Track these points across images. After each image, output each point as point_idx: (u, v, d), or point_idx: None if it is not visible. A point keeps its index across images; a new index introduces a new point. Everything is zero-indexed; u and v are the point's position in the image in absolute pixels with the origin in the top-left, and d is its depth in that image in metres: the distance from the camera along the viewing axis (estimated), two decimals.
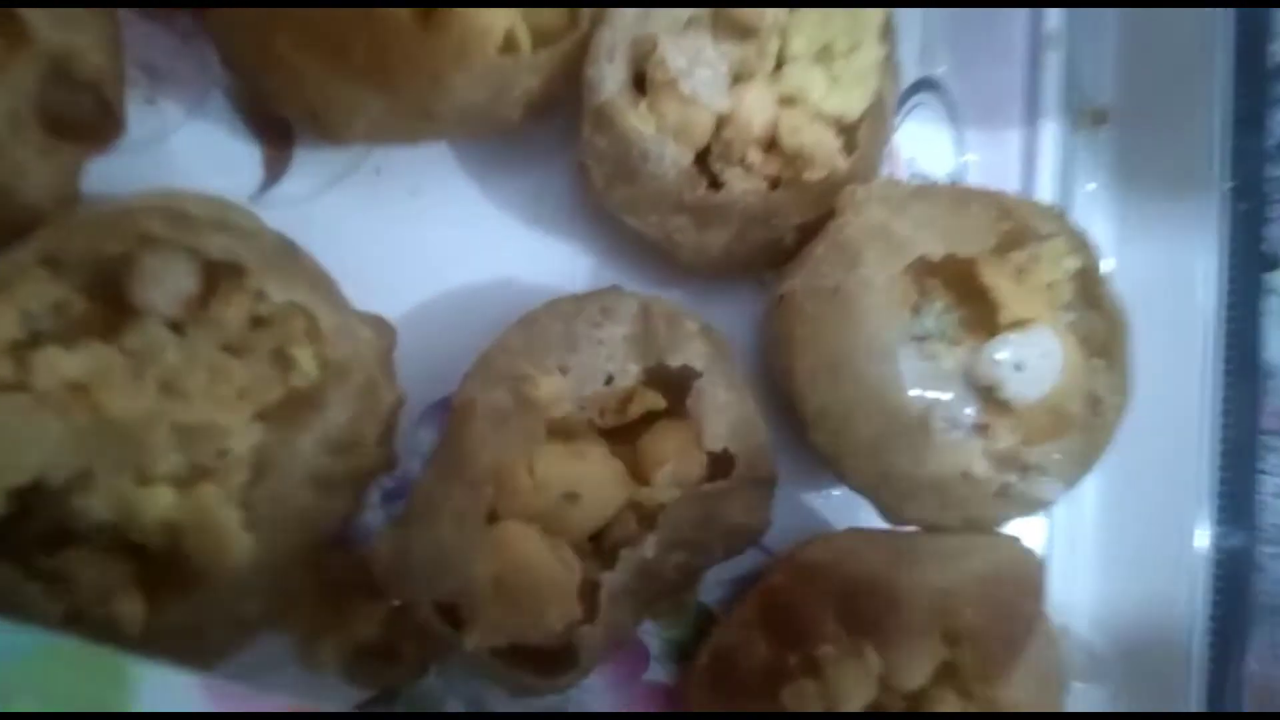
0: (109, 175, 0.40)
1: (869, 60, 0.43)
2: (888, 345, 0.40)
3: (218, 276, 0.36)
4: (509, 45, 0.40)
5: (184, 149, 0.43)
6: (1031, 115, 0.54)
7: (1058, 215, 0.43)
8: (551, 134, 0.46)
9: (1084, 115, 0.55)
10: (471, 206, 0.47)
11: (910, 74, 0.52)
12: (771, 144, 0.43)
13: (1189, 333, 0.51)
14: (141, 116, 0.43)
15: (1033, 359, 0.41)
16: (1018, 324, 0.41)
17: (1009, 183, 0.54)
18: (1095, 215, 0.55)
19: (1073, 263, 0.42)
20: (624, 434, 0.42)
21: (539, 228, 0.48)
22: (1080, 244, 0.42)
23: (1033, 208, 0.43)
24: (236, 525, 0.35)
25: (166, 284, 0.36)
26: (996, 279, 0.42)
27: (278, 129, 0.44)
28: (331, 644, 0.43)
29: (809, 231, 0.45)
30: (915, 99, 0.53)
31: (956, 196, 0.42)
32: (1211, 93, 0.51)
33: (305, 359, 0.36)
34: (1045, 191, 0.54)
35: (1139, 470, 0.49)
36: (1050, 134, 0.54)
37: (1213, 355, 0.51)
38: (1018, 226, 0.41)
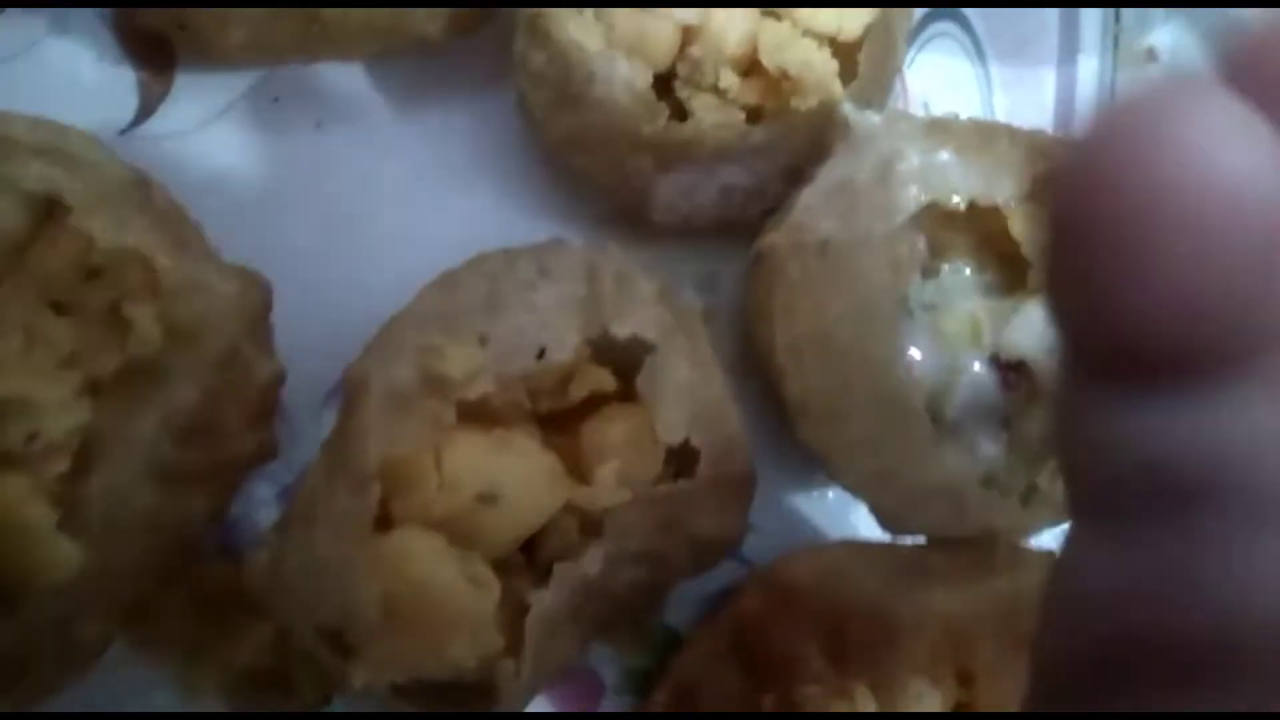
0: None
1: None
2: (888, 316, 0.32)
3: (44, 218, 0.29)
4: None
5: (41, 70, 0.36)
6: (1069, 50, 0.46)
7: None
8: (487, 53, 0.38)
9: (1130, 52, 0.47)
10: (389, 143, 0.39)
11: None
12: (751, 66, 0.35)
13: None
14: None
15: None
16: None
17: (1043, 124, 0.46)
18: None
19: None
20: (564, 422, 0.34)
21: (473, 170, 0.40)
22: None
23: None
24: (50, 527, 0.28)
25: None
26: (1028, 232, 0.34)
27: (155, 48, 0.37)
28: (212, 669, 0.36)
29: (797, 176, 0.37)
30: (933, 28, 0.44)
31: (980, 132, 0.35)
32: None
33: (145, 320, 0.29)
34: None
35: None
36: (1090, 73, 0.46)
37: None
38: (1054, 169, 0.33)
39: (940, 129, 0.34)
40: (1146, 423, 0.13)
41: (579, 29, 0.33)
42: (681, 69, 0.35)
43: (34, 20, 0.36)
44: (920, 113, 0.44)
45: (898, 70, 0.39)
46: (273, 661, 0.36)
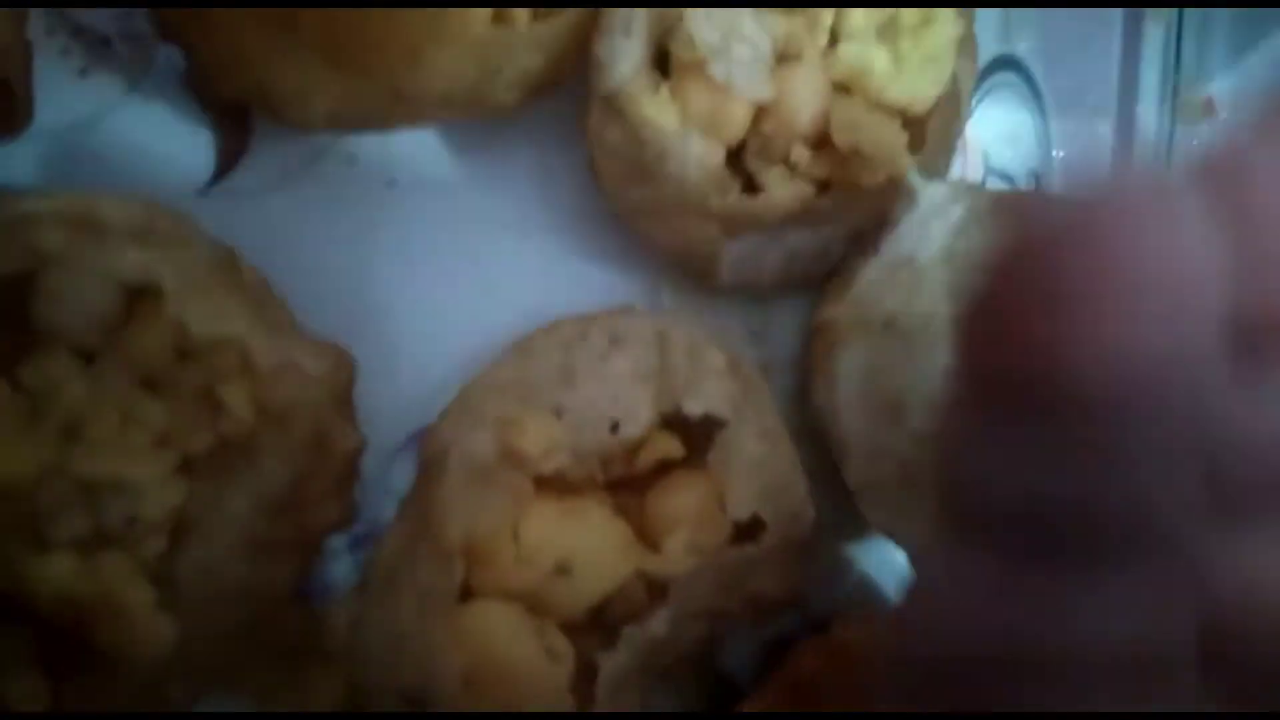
0: (30, 163, 0.34)
1: (943, 38, 0.35)
2: None
3: (137, 298, 0.30)
4: (501, 16, 0.33)
5: (122, 131, 0.36)
6: (1128, 102, 0.46)
7: None
8: (559, 114, 0.38)
9: (1189, 104, 0.47)
10: (461, 202, 0.39)
11: (988, 50, 0.44)
12: (822, 140, 0.35)
13: None
14: (71, 92, 0.36)
15: None
16: None
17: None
18: None
19: None
20: (633, 484, 0.35)
21: (544, 227, 0.40)
22: None
23: None
24: (150, 605, 0.29)
25: (75, 306, 0.29)
26: None
27: (233, 109, 0.37)
28: (287, 710, 0.37)
29: (860, 237, 0.37)
30: (994, 79, 0.45)
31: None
32: None
33: (238, 401, 0.30)
34: None
35: None
36: (1149, 125, 0.46)
37: None
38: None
39: (1005, 204, 0.35)
40: (1036, 460, 0.15)
41: (654, 107, 0.33)
42: (753, 143, 0.35)
43: (112, 82, 0.36)
44: (979, 165, 0.44)
45: (962, 131, 0.40)
46: (347, 706, 0.37)
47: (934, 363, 0.33)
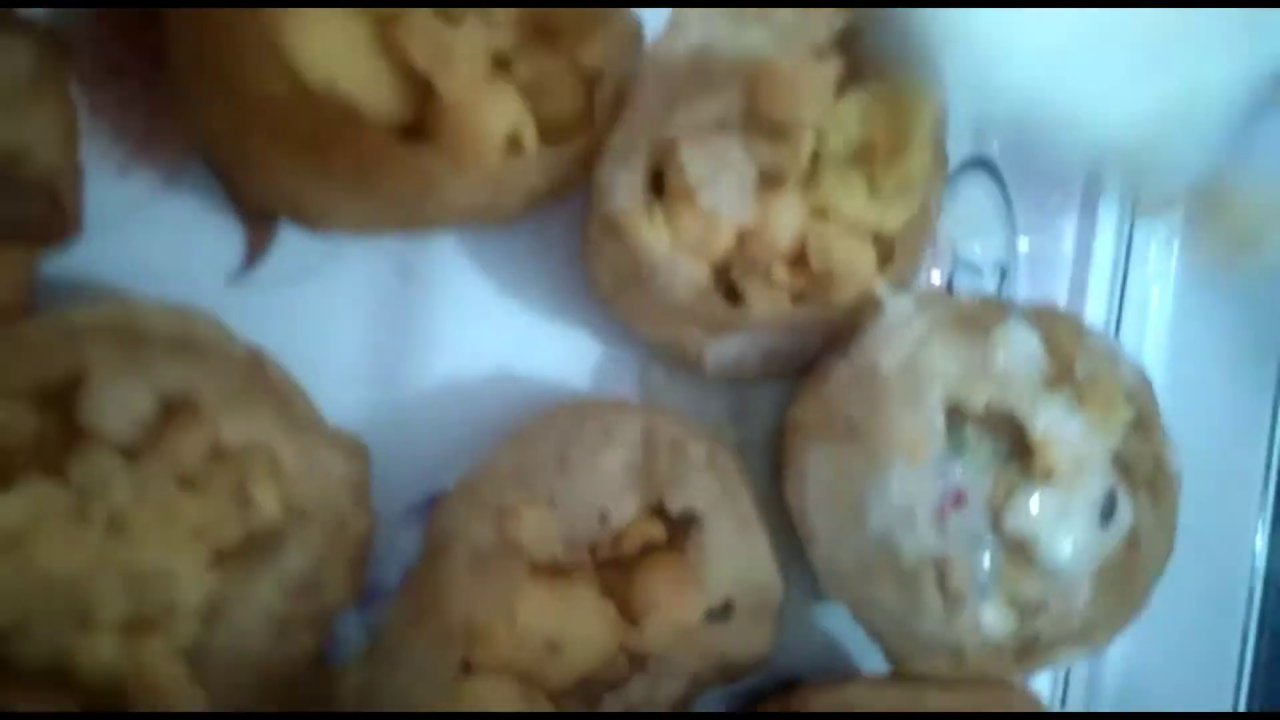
0: (73, 254, 0.37)
1: (916, 165, 0.39)
2: (910, 503, 0.36)
3: (175, 402, 0.33)
4: (512, 145, 0.36)
5: (159, 223, 0.40)
6: (1091, 198, 0.50)
7: (1111, 356, 0.38)
8: (561, 213, 0.42)
9: (1150, 199, 0.50)
10: (470, 289, 0.43)
11: (960, 150, 0.47)
12: (799, 258, 0.39)
13: (1246, 459, 0.47)
14: (112, 189, 0.39)
15: (1071, 518, 0.37)
16: (1058, 475, 0.37)
17: (1061, 271, 0.49)
18: (1151, 306, 0.50)
19: (1125, 414, 0.38)
20: (618, 562, 0.39)
21: (543, 311, 0.44)
22: (1136, 387, 0.38)
23: (1086, 344, 0.38)
24: (184, 681, 0.32)
25: (119, 411, 0.33)
26: (1036, 421, 0.38)
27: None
28: None
29: (838, 338, 0.41)
30: (964, 178, 0.48)
31: (997, 323, 0.38)
32: None
33: (267, 499, 0.33)
34: (1101, 281, 0.49)
35: (1172, 629, 0.45)
36: (1111, 217, 0.50)
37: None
38: (1065, 369, 0.37)
39: (965, 321, 0.38)
40: None
41: (648, 230, 0.37)
42: (737, 260, 0.38)
43: (150, 180, 0.39)
44: (948, 258, 0.48)
45: (931, 241, 0.43)
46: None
47: (889, 469, 0.36)
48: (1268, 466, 0.49)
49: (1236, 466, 0.49)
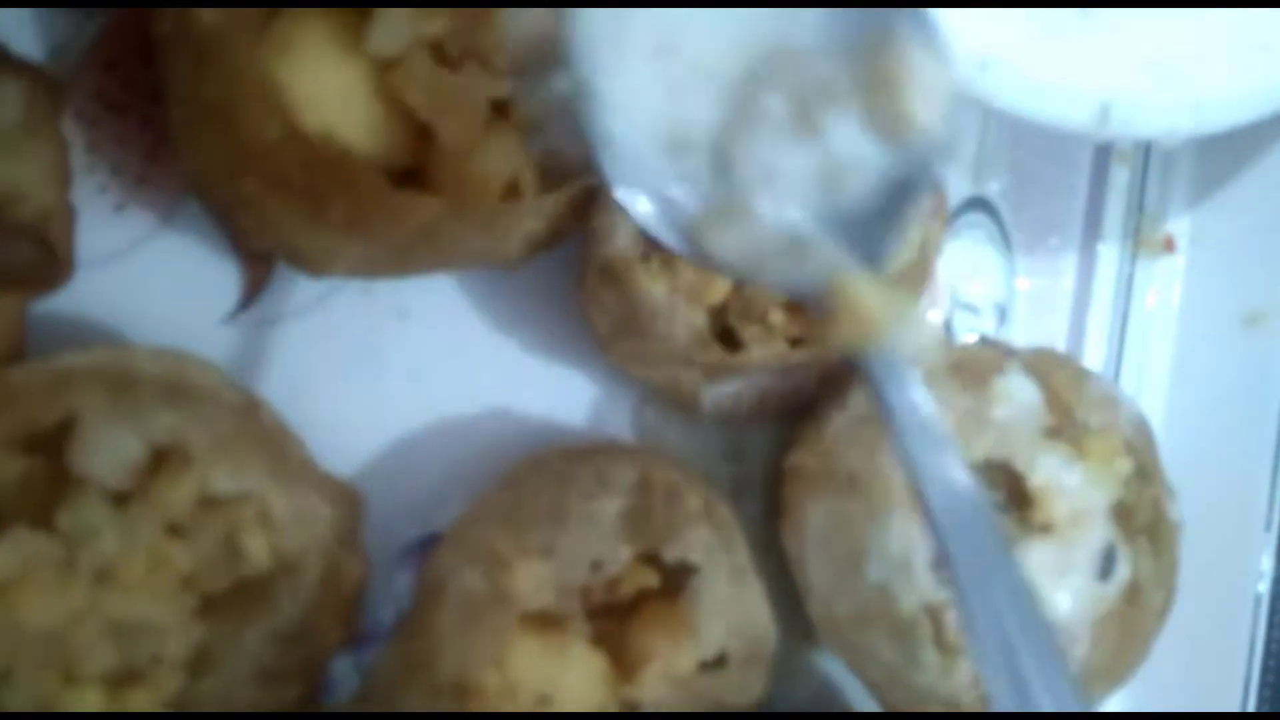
0: (68, 292, 0.37)
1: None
2: (908, 552, 0.36)
3: (165, 450, 0.33)
4: (510, 191, 0.36)
5: (155, 262, 0.39)
6: (1091, 239, 0.49)
7: (1112, 403, 0.38)
8: (558, 257, 0.41)
9: (1149, 241, 0.50)
10: (466, 330, 0.43)
11: (960, 192, 0.47)
12: (796, 303, 0.38)
13: (1248, 499, 0.46)
14: (109, 227, 0.39)
15: (1068, 571, 0.37)
16: (1055, 528, 0.37)
17: (1061, 311, 0.49)
18: (1153, 344, 0.50)
19: (1125, 466, 0.37)
20: (611, 609, 0.38)
21: (540, 354, 0.43)
22: (1136, 436, 0.38)
23: (1086, 391, 0.38)
24: None
25: (109, 457, 0.32)
26: (1035, 473, 0.37)
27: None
28: None
29: (836, 382, 0.41)
30: (963, 219, 0.48)
31: (995, 372, 0.38)
32: None
33: (256, 548, 0.33)
34: (1101, 321, 0.49)
35: (1172, 678, 0.45)
36: (1110, 260, 0.49)
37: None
38: (1064, 419, 0.37)
39: (962, 368, 0.38)
40: None
41: (646, 277, 0.36)
42: (734, 305, 0.38)
43: (146, 218, 0.39)
44: (947, 299, 0.48)
45: (929, 283, 0.43)
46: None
47: (891, 521, 0.36)
48: (1270, 505, 0.49)
49: (1238, 506, 0.49)
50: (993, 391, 0.37)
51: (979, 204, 0.48)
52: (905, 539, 0.36)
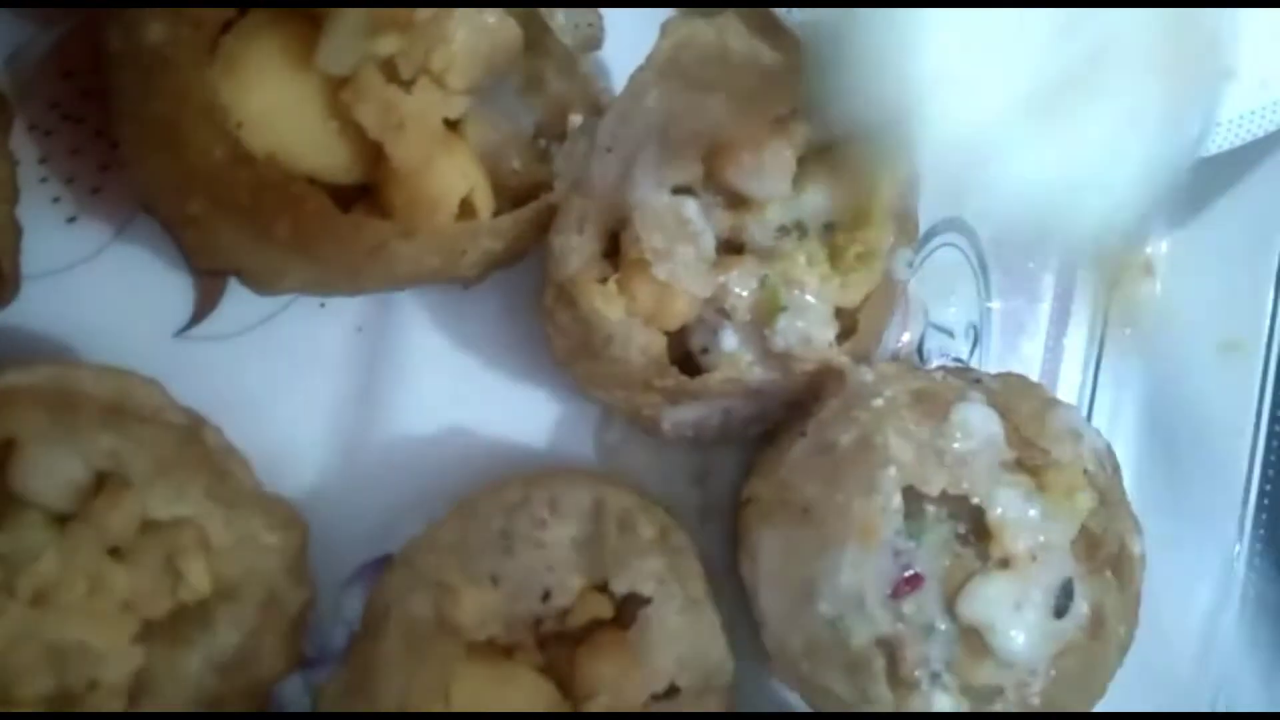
0: (16, 306, 0.36)
1: (877, 236, 0.38)
2: (861, 586, 0.35)
3: (106, 472, 0.32)
4: (465, 210, 0.35)
5: (107, 275, 0.39)
6: (1069, 262, 0.49)
7: (1075, 434, 0.37)
8: (520, 270, 0.41)
9: (1129, 264, 0.49)
10: (423, 344, 0.42)
11: (935, 212, 0.46)
12: (758, 324, 0.38)
13: (1220, 524, 0.46)
14: (60, 239, 0.38)
15: (1024, 607, 0.36)
16: (1015, 562, 0.36)
17: (1036, 334, 0.48)
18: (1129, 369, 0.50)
19: (1087, 501, 0.36)
20: (562, 636, 0.38)
21: (501, 370, 0.43)
22: (1099, 469, 0.37)
23: (1049, 422, 0.37)
24: None
25: (49, 478, 0.32)
26: (994, 506, 0.36)
27: None
28: None
29: (799, 407, 0.40)
30: (938, 239, 0.47)
31: (956, 403, 0.37)
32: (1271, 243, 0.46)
33: (196, 573, 0.32)
34: (1076, 347, 0.48)
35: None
36: (1086, 283, 0.49)
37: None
38: (1025, 451, 0.36)
39: (923, 399, 0.37)
40: None
41: (602, 298, 0.36)
42: (695, 328, 0.37)
43: (99, 229, 0.39)
44: (920, 320, 0.47)
45: (896, 309, 0.42)
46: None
47: (843, 554, 0.35)
48: (1241, 529, 0.48)
49: (1211, 533, 0.48)
50: (952, 424, 0.36)
51: (955, 224, 0.47)
52: (858, 572, 0.35)
